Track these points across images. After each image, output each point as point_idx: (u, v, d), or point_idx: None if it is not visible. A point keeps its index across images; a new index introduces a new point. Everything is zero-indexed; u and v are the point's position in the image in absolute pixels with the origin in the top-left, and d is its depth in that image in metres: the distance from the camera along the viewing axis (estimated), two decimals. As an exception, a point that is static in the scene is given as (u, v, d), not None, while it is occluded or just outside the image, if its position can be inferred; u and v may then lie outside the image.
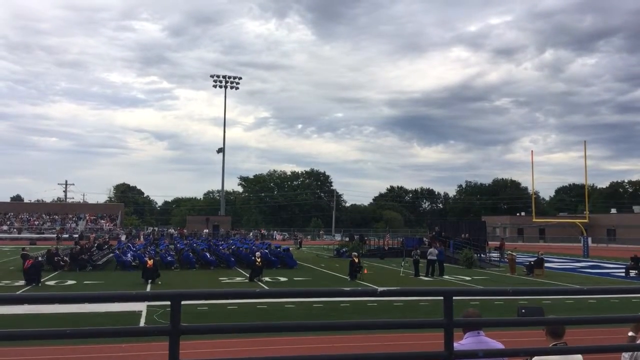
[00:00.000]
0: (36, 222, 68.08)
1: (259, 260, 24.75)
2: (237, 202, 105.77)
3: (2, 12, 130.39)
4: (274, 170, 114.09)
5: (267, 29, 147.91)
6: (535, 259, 28.80)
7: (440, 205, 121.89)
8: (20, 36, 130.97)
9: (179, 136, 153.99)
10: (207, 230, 64.06)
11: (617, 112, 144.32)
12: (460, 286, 22.53)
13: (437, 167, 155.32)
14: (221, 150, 74.88)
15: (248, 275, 24.78)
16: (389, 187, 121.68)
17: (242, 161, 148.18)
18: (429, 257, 27.15)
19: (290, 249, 36.22)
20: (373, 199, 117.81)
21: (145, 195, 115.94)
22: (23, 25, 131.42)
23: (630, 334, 5.64)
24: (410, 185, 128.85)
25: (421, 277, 26.24)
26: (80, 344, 10.90)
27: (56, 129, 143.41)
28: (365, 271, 26.23)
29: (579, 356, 4.70)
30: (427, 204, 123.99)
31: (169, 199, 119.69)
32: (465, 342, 4.25)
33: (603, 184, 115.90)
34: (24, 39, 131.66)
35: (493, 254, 35.73)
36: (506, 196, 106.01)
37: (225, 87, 73.68)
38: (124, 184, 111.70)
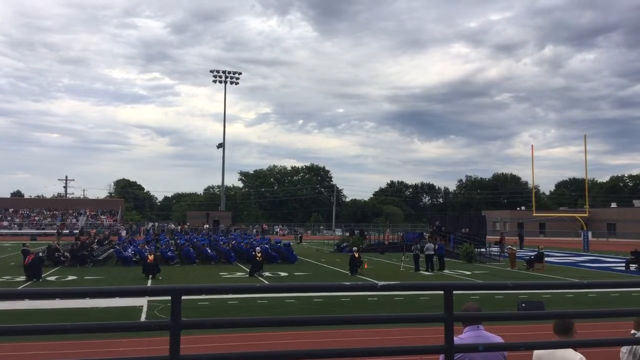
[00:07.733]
0: (37, 218, 68.09)
1: (259, 255, 24.78)
2: (238, 197, 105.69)
3: (6, 9, 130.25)
4: (274, 165, 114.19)
5: (269, 26, 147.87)
6: (536, 253, 28.85)
7: (441, 200, 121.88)
8: (23, 33, 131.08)
9: (180, 132, 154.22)
10: (207, 226, 64.07)
11: (617, 107, 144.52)
12: (461, 280, 22.55)
13: (437, 162, 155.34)
14: (221, 145, 74.83)
15: (248, 271, 24.81)
16: (389, 182, 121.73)
17: (242, 157, 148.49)
18: (426, 252, 27.28)
19: (291, 244, 36.23)
20: (373, 194, 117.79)
21: (145, 190, 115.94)
22: (26, 22, 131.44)
23: (632, 332, 5.60)
24: (411, 180, 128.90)
25: (421, 272, 26.29)
26: (81, 339, 10.93)
27: (58, 125, 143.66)
28: (366, 266, 26.26)
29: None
30: (427, 198, 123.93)
31: (169, 195, 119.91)
32: (464, 337, 4.26)
33: (603, 178, 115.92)
34: (27, 37, 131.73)
35: (493, 249, 35.75)
36: (506, 191, 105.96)
37: (225, 82, 73.63)
38: (124, 180, 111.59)
